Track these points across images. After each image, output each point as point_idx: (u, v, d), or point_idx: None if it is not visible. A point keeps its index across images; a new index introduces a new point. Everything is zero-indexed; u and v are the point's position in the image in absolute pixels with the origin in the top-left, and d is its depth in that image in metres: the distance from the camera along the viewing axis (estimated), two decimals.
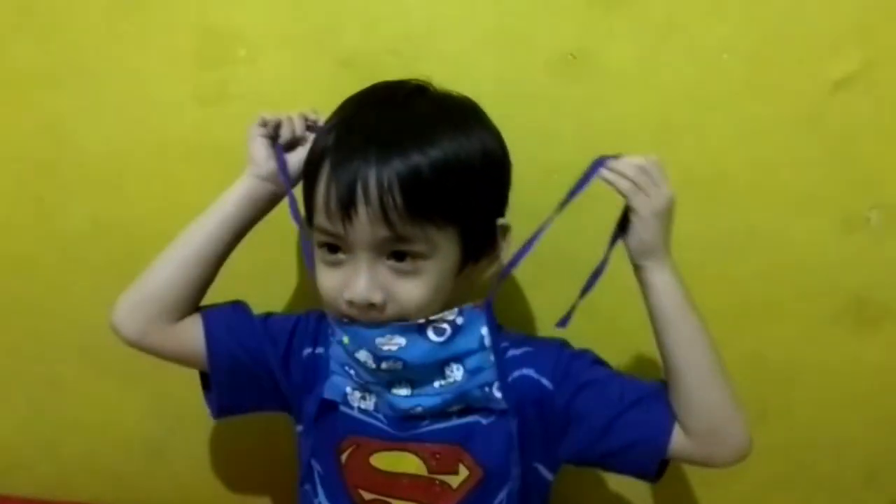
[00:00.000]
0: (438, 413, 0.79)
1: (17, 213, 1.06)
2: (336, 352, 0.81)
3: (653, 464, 0.78)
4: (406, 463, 0.81)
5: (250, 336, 0.86)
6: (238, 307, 0.89)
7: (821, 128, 0.92)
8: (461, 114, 0.78)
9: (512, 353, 0.82)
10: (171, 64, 0.97)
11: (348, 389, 0.82)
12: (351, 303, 0.74)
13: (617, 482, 1.09)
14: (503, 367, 0.80)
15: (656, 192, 0.73)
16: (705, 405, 0.75)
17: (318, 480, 0.87)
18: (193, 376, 1.09)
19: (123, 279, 1.06)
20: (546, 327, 1.01)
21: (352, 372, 0.80)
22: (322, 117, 0.83)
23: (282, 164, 0.82)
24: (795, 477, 1.07)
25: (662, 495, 1.10)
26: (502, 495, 0.82)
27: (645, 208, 0.73)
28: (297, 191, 0.81)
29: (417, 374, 0.77)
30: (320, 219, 0.74)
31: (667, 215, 0.74)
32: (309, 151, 0.79)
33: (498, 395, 0.78)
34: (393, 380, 0.78)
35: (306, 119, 0.85)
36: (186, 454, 1.16)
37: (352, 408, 0.82)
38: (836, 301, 0.98)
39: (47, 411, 1.16)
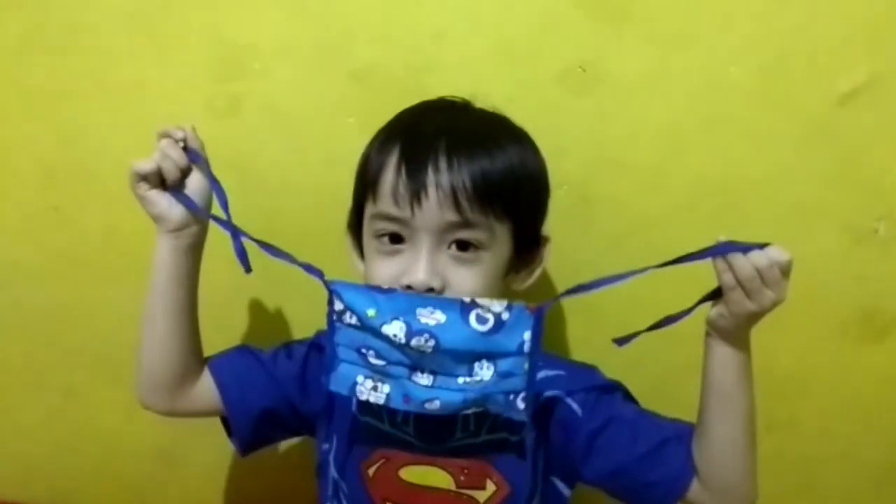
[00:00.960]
0: (455, 412, 0.72)
1: (33, 222, 1.07)
2: (347, 336, 0.74)
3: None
4: (435, 477, 0.82)
5: (260, 379, 0.87)
6: (242, 352, 0.90)
7: (829, 140, 0.92)
8: (516, 126, 0.83)
9: (545, 373, 0.82)
10: (186, 77, 0.99)
11: (359, 378, 0.74)
12: (409, 288, 0.74)
13: None
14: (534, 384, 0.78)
15: (760, 295, 0.67)
16: (727, 468, 0.75)
17: (342, 498, 0.87)
18: None
19: (138, 288, 1.07)
20: (557, 334, 1.02)
21: (370, 353, 0.73)
22: (188, 129, 0.81)
23: (191, 204, 0.80)
24: (804, 488, 1.07)
25: None
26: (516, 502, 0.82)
27: (738, 307, 0.68)
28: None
29: (445, 361, 0.71)
30: (385, 205, 0.75)
31: (763, 315, 0.69)
32: (369, 151, 0.80)
33: (521, 405, 0.72)
34: (416, 365, 0.72)
35: (176, 141, 0.80)
36: (199, 462, 1.17)
37: (360, 402, 0.76)
38: (844, 312, 0.98)
39: (62, 419, 1.18)
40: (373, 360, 0.73)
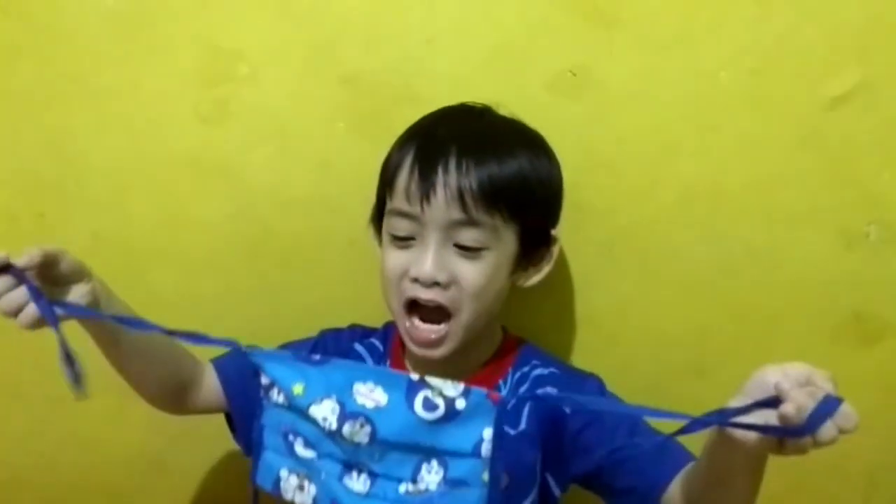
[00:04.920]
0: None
1: (19, 228, 1.06)
2: (274, 417, 0.67)
3: None
4: None
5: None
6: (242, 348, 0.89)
7: (819, 144, 0.92)
8: (534, 133, 0.86)
9: (540, 371, 0.86)
10: (174, 81, 0.98)
11: (283, 473, 0.66)
12: (416, 280, 0.78)
13: None
14: (531, 382, 0.84)
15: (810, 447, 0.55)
16: None
17: None
18: None
19: (124, 295, 1.06)
20: (550, 339, 1.02)
21: (298, 440, 0.65)
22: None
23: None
24: (795, 493, 1.07)
25: None
26: None
27: (784, 451, 0.56)
28: None
29: (386, 457, 0.62)
30: (398, 202, 0.80)
31: None
32: (392, 151, 0.84)
33: None
34: (352, 462, 0.63)
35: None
36: (186, 469, 1.16)
37: (285, 501, 0.67)
38: (835, 316, 0.98)
39: (47, 426, 1.16)
40: (300, 451, 0.65)
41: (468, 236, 0.78)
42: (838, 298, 0.97)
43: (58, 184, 1.03)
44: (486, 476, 0.60)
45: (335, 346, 0.90)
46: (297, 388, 0.63)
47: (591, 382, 0.86)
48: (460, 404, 0.60)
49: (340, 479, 0.63)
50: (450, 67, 0.94)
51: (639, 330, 0.98)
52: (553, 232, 0.85)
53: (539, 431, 0.83)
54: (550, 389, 0.85)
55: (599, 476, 0.81)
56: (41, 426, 1.16)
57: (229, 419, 0.91)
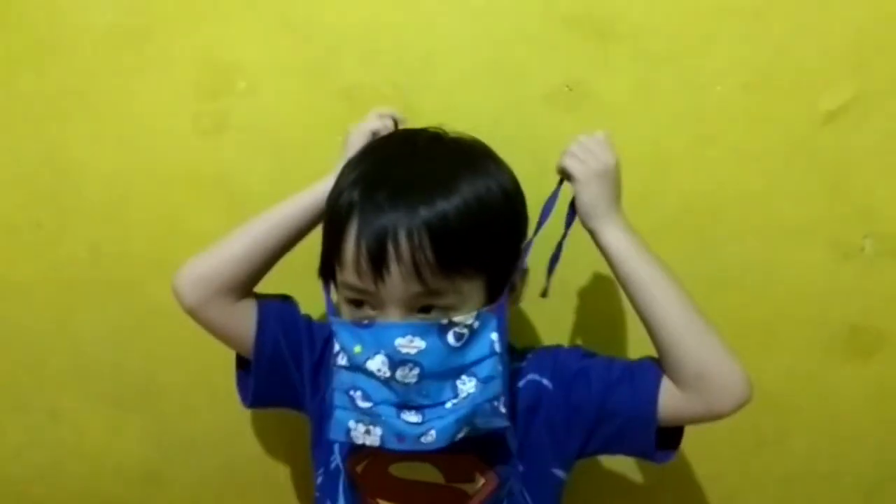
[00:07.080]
0: (451, 439, 0.72)
1: (17, 241, 1.06)
2: (339, 380, 0.76)
3: (649, 438, 0.78)
4: (424, 472, 0.83)
5: (296, 332, 0.88)
6: (289, 301, 0.91)
7: (814, 158, 0.93)
8: (478, 157, 0.79)
9: (516, 364, 0.85)
10: (172, 95, 0.98)
11: (351, 423, 0.74)
12: None
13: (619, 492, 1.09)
14: (511, 378, 0.81)
15: (593, 158, 0.78)
16: (687, 350, 0.75)
17: (340, 490, 0.88)
18: (191, 405, 1.10)
19: (122, 307, 1.07)
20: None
21: (357, 395, 0.74)
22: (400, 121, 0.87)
23: None
24: None
25: None
26: (503, 493, 0.83)
27: (580, 172, 0.78)
28: None
29: (430, 388, 0.72)
30: (349, 276, 0.74)
31: (606, 177, 0.78)
32: (332, 205, 0.77)
33: (503, 410, 0.75)
34: (403, 401, 0.73)
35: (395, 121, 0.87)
36: (183, 482, 1.16)
37: (356, 446, 0.75)
38: (831, 329, 0.99)
39: (45, 438, 1.16)
40: (360, 403, 0.74)
41: (428, 306, 0.73)
42: (834, 311, 0.98)
43: (56, 195, 1.04)
44: (500, 367, 0.74)
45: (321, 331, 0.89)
46: (357, 349, 0.73)
47: (556, 350, 0.87)
48: (476, 324, 0.73)
49: (398, 416, 0.73)
50: (447, 81, 0.95)
51: (635, 342, 0.99)
52: (523, 264, 0.81)
53: (530, 424, 0.83)
54: (532, 376, 0.84)
55: (599, 423, 0.80)
56: (39, 438, 1.17)
57: (239, 366, 0.91)
